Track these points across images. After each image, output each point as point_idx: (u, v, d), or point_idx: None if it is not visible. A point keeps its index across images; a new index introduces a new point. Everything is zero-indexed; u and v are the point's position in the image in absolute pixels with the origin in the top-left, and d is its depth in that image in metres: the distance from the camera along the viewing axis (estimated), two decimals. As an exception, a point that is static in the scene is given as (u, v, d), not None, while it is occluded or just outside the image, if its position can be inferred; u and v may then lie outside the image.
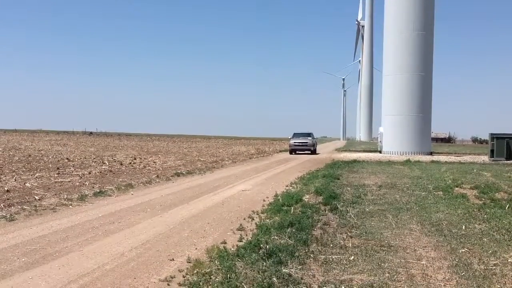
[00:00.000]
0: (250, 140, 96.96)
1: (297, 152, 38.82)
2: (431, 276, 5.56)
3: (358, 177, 17.66)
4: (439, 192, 12.98)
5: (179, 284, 5.31)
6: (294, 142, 38.60)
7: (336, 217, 9.14)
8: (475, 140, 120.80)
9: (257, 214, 9.69)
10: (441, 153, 42.69)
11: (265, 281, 5.10)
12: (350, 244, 6.97)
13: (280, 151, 44.32)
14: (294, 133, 40.78)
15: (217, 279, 5.29)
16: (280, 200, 11.10)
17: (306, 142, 38.44)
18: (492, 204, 10.76)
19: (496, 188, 13.74)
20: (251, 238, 7.24)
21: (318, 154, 39.45)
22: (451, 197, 11.95)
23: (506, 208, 10.08)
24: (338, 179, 16.50)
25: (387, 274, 5.57)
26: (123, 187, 13.77)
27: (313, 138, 40.68)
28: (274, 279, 5.19)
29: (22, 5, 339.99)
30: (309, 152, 38.51)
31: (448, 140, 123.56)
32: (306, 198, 11.67)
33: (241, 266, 5.67)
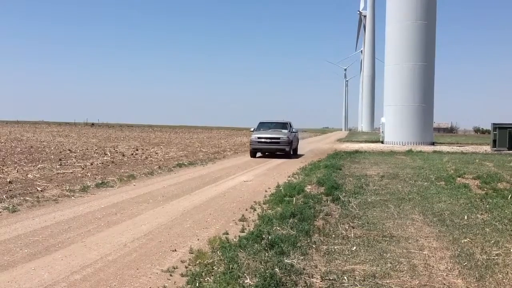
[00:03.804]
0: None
1: (265, 153, 24.50)
2: (433, 266, 5.56)
3: (360, 167, 17.64)
4: (441, 182, 12.96)
5: (182, 275, 5.32)
6: (259, 138, 23.54)
7: (338, 207, 9.14)
8: (477, 130, 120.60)
9: (259, 205, 9.69)
10: (443, 143, 42.60)
11: (267, 271, 5.10)
12: (352, 234, 6.97)
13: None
14: (260, 123, 25.99)
15: (219, 270, 5.29)
16: (282, 190, 11.10)
17: (278, 138, 23.36)
18: (494, 194, 10.74)
19: (499, 178, 13.71)
20: (253, 228, 7.24)
21: (301, 156, 25.45)
22: (453, 187, 11.93)
23: (509, 198, 10.06)
24: (340, 169, 16.48)
25: (389, 264, 5.57)
26: (125, 178, 13.78)
27: (291, 131, 24.96)
28: (277, 269, 5.19)
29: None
30: (282, 153, 23.68)
31: (450, 130, 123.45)
32: (308, 188, 11.66)
33: (243, 257, 5.67)
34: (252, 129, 25.93)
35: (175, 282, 5.14)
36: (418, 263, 5.68)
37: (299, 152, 27.14)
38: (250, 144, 24.12)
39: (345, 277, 5.12)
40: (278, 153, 23.92)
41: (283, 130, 24.58)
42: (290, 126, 25.37)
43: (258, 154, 24.52)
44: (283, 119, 26.37)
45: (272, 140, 23.43)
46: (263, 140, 23.47)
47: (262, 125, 25.73)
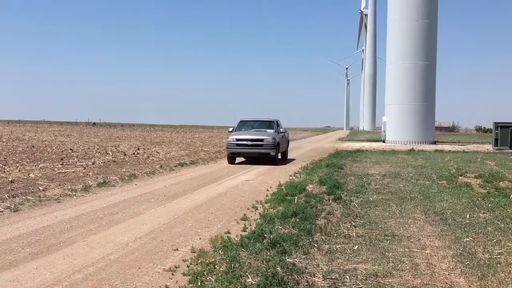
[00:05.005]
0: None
1: (248, 157, 20.14)
2: (435, 265, 5.55)
3: (362, 166, 17.63)
4: (443, 181, 12.94)
5: (184, 274, 5.32)
6: (238, 140, 19.23)
7: (340, 206, 9.13)
8: (479, 129, 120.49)
9: (261, 204, 9.69)
10: (445, 142, 42.54)
11: (269, 270, 5.10)
12: (354, 233, 6.96)
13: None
14: (241, 121, 21.68)
15: (221, 269, 5.29)
16: (284, 190, 11.09)
17: (261, 140, 19.10)
18: (496, 193, 10.72)
19: (500, 177, 13.69)
20: (255, 228, 7.24)
21: (291, 161, 21.16)
22: (455, 186, 11.91)
23: (511, 197, 10.05)
24: (342, 168, 16.46)
25: (391, 263, 5.56)
26: (127, 178, 13.79)
27: (278, 131, 20.52)
28: (278, 268, 5.19)
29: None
30: (267, 157, 19.23)
31: (452, 129, 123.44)
32: (309, 187, 11.65)
33: (245, 256, 5.67)
34: (230, 129, 21.41)
35: (177, 281, 5.14)
36: (420, 262, 5.68)
37: (290, 156, 23.09)
38: (227, 148, 19.67)
39: (347, 276, 5.11)
40: (261, 157, 19.46)
41: (268, 130, 20.27)
42: (277, 125, 20.89)
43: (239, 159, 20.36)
44: (269, 117, 21.89)
45: (254, 143, 19.09)
46: (243, 142, 19.09)
47: (243, 124, 21.32)
